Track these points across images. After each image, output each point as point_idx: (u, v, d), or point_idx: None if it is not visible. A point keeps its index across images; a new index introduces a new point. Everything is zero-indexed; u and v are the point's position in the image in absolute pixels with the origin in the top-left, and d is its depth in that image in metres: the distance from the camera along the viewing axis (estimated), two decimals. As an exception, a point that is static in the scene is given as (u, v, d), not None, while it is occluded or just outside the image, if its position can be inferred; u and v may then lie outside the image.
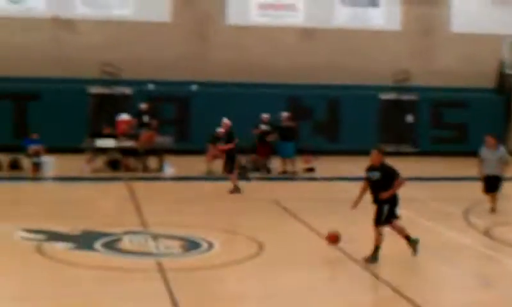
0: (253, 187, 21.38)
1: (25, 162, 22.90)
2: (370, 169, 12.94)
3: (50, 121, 26.51)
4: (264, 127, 24.17)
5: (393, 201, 12.78)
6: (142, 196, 19.07)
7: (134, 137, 23.91)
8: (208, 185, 22.03)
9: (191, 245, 13.89)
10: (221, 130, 22.78)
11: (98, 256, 13.05)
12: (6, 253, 13.13)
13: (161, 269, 12.13)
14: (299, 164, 24.28)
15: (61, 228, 14.78)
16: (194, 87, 28.84)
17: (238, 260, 13.03)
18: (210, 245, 13.84)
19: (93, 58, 27.61)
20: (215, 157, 23.35)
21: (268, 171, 24.15)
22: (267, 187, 22.20)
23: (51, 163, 22.89)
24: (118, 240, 14.11)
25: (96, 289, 11.23)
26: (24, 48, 28.01)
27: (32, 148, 22.82)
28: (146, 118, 24.77)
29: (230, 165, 20.25)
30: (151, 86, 28.37)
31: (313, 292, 11.28)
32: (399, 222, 13.02)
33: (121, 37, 28.75)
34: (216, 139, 23.60)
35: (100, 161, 23.70)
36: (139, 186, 20.88)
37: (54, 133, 25.36)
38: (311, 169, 24.51)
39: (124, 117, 25.03)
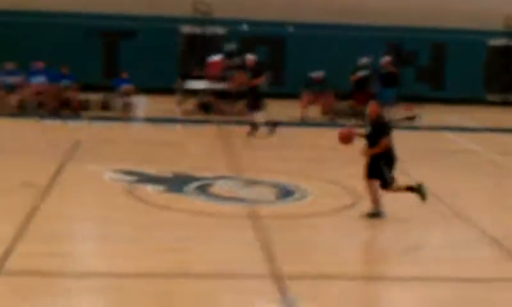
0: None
1: (116, 102, 22.62)
2: (368, 121, 12.04)
3: (141, 61, 26.08)
4: (362, 72, 23.06)
5: (388, 161, 11.69)
6: (234, 140, 18.56)
7: (225, 79, 23.26)
8: (302, 131, 21.27)
9: (285, 192, 13.39)
10: (317, 75, 21.98)
11: (189, 200, 12.69)
12: (95, 194, 12.90)
13: (253, 216, 11.73)
14: (400, 112, 23.19)
15: (151, 170, 14.47)
16: (290, 29, 27.84)
17: (333, 210, 12.44)
18: (305, 193, 13.32)
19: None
20: (310, 102, 22.62)
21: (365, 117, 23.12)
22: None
23: (142, 103, 22.59)
24: (210, 184, 13.71)
25: (186, 234, 10.81)
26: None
27: (123, 87, 22.47)
28: (237, 60, 24.09)
29: (253, 102, 19.48)
30: (245, 26, 27.53)
31: (408, 247, 10.59)
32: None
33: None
34: (311, 83, 22.84)
35: (191, 103, 23.25)
36: (231, 130, 20.35)
37: (145, 73, 24.97)
38: (412, 118, 23.42)
39: (216, 58, 24.34)
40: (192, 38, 27.32)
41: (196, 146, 18.63)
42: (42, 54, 23.25)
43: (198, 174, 14.35)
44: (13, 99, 21.76)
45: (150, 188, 13.21)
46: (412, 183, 12.15)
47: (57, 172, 14.05)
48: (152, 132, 20.39)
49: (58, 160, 15.05)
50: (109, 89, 22.95)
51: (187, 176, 14.19)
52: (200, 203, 12.49)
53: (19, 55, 23.04)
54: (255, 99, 19.52)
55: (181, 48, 27.25)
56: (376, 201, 11.76)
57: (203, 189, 13.28)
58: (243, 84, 22.89)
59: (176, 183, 13.64)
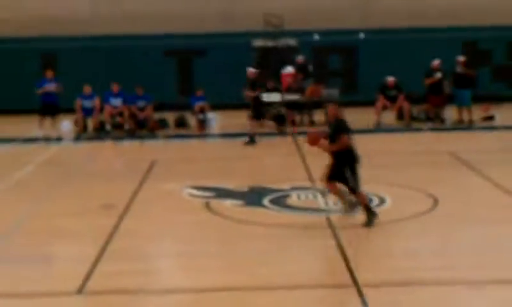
0: (426, 138, 20.47)
1: (191, 120, 22.86)
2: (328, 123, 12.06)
3: (215, 77, 26.28)
4: (436, 75, 22.70)
5: (350, 163, 11.59)
6: (308, 151, 18.42)
7: (299, 90, 23.23)
8: (377, 138, 21.04)
9: None
10: (390, 80, 21.84)
11: (267, 212, 12.70)
12: (175, 211, 13.05)
13: (331, 225, 11.68)
14: (477, 113, 22.74)
15: (228, 185, 14.55)
16: (361, 36, 27.65)
17: (410, 215, 12.26)
18: (382, 200, 13.19)
19: (256, 9, 27.06)
20: (384, 107, 22.40)
21: (442, 121, 22.78)
22: (442, 137, 21.13)
23: (216, 119, 22.76)
24: (286, 196, 13.71)
25: (266, 246, 10.84)
26: (188, 3, 27.89)
27: (198, 105, 22.69)
28: (310, 68, 24.08)
29: (254, 112, 20.44)
30: (316, 36, 27.47)
31: (491, 249, 10.40)
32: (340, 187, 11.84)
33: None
34: (385, 88, 22.63)
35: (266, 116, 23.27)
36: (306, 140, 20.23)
37: (218, 89, 25.15)
38: (490, 118, 22.92)
39: (289, 70, 24.36)
40: (264, 51, 27.41)
41: (272, 158, 18.65)
42: (117, 76, 23.67)
43: (274, 186, 14.35)
44: (91, 122, 22.28)
45: (228, 203, 13.28)
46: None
47: (136, 192, 14.26)
48: (228, 147, 20.49)
49: (136, 180, 15.27)
50: (185, 107, 23.21)
51: (264, 188, 14.21)
52: (278, 215, 12.50)
53: (96, 79, 23.55)
54: (256, 109, 20.59)
55: (254, 62, 27.37)
56: (343, 197, 11.84)
57: (281, 201, 13.27)
58: (316, 95, 22.86)
59: (254, 196, 13.67)
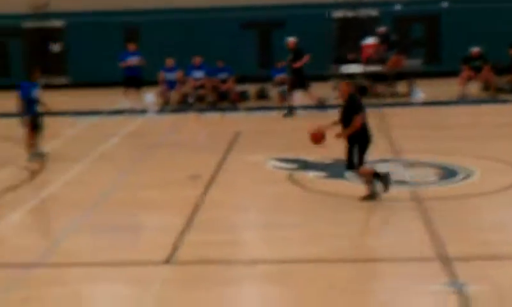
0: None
1: (272, 92, 22.87)
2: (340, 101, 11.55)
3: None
4: (521, 44, 22.11)
5: (361, 142, 11.17)
6: (392, 123, 18.27)
7: (381, 61, 22.95)
8: (461, 109, 20.67)
9: (448, 172, 13.08)
10: (475, 50, 21.34)
11: (351, 185, 12.58)
12: (259, 182, 13.12)
13: (416, 198, 11.54)
14: None
15: (311, 157, 14.51)
16: (444, 4, 27.09)
17: (499, 188, 12.03)
18: (469, 172, 12.96)
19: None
20: (469, 78, 21.94)
21: (528, 92, 22.22)
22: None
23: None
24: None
25: (350, 218, 10.77)
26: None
27: (278, 77, 22.67)
28: (393, 38, 23.74)
29: (297, 82, 20.23)
30: (397, 6, 27.06)
31: None
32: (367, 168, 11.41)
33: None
34: (469, 59, 22.16)
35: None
36: (388, 112, 20.07)
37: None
38: None
39: (370, 41, 24.06)
40: (344, 22, 27.17)
41: (354, 130, 18.50)
42: (199, 49, 23.83)
43: (358, 158, 14.27)
44: (174, 94, 22.56)
45: (311, 175, 13.29)
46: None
47: (220, 163, 14.40)
48: (309, 119, 20.40)
49: (220, 151, 15.41)
50: (266, 79, 23.24)
51: (347, 161, 14.13)
52: (362, 187, 12.39)
53: (178, 52, 23.78)
54: (298, 80, 20.26)
55: (334, 33, 27.17)
56: (368, 182, 11.41)
57: (364, 173, 13.19)
58: (398, 66, 22.56)
59: (337, 168, 13.55)
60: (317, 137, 11.91)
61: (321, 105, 20.33)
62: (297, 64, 20.39)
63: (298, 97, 20.83)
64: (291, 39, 20.90)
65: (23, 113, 15.27)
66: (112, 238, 10.37)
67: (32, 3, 27.60)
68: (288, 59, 20.81)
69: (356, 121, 11.06)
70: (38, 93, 15.58)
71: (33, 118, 15.21)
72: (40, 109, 15.58)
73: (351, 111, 11.17)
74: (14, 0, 27.75)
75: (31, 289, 8.61)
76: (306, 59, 20.43)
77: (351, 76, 22.62)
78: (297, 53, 20.53)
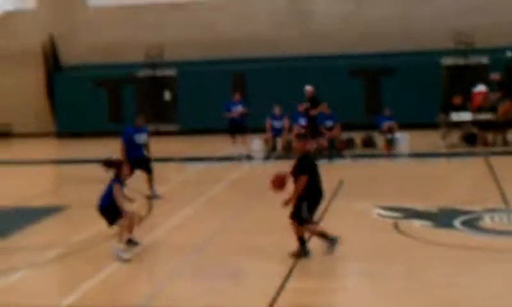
0: None
1: (379, 139, 22.70)
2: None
3: (403, 97, 26.01)
4: None
5: (310, 199, 10.89)
6: (502, 172, 17.77)
7: (492, 109, 22.42)
8: None
9: None
10: None
11: (459, 234, 12.32)
12: (364, 230, 12.99)
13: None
14: None
15: (417, 205, 14.30)
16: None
17: None
18: None
19: (445, 28, 26.53)
20: None
21: None
22: None
23: (405, 139, 22.48)
24: (479, 218, 13.24)
25: (458, 270, 10.53)
26: (375, 23, 27.83)
27: (386, 124, 22.51)
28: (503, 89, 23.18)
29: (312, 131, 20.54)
30: (509, 53, 26.48)
31: None
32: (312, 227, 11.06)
33: (472, 2, 27.23)
34: None
35: (455, 136, 22.70)
36: (498, 161, 19.57)
37: (407, 108, 24.86)
38: None
39: (480, 88, 23.59)
40: (454, 69, 26.79)
41: (462, 179, 18.14)
42: (303, 96, 23.91)
43: (465, 208, 13.93)
44: (280, 141, 22.69)
45: (417, 224, 13.05)
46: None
47: (325, 210, 14.31)
48: (416, 167, 20.15)
49: (325, 198, 15.29)
50: (372, 126, 23.11)
51: (455, 210, 13.83)
52: (470, 237, 12.11)
53: (282, 99, 23.95)
54: (313, 128, 20.85)
55: (443, 81, 26.81)
56: (320, 234, 11.12)
57: (473, 223, 12.85)
58: (509, 114, 22.00)
59: (444, 217, 13.33)
60: (276, 183, 11.46)
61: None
62: (313, 113, 21.24)
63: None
64: (309, 88, 21.64)
65: (124, 157, 15.57)
66: (214, 284, 10.44)
67: (147, 53, 28.50)
68: (305, 106, 21.47)
69: (300, 183, 10.93)
70: (142, 138, 16.00)
71: (135, 161, 15.41)
72: (146, 153, 16.01)
73: (299, 170, 11.08)
74: (130, 50, 28.74)
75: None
76: (321, 107, 21.33)
77: (459, 124, 22.26)
78: (313, 101, 21.27)
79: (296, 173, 11.10)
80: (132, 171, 15.05)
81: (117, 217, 11.58)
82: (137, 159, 15.69)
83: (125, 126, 16.67)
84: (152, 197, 15.88)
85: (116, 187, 11.60)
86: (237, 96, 22.83)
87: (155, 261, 11.77)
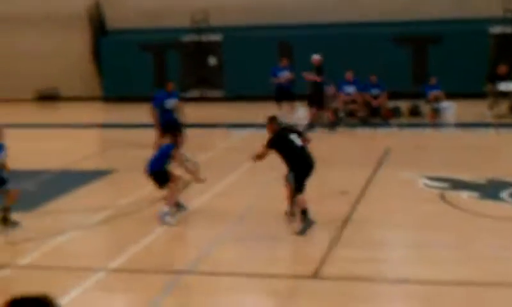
0: None
1: (425, 108, 22.45)
2: None
3: (450, 65, 25.62)
4: None
5: (296, 171, 11.33)
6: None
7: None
8: None
9: None
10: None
11: (507, 206, 12.18)
12: (410, 200, 12.91)
13: None
14: None
15: (464, 176, 14.15)
16: None
17: None
18: None
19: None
20: None
21: None
22: None
23: (451, 109, 22.19)
24: (527, 190, 13.02)
25: (505, 242, 10.46)
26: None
27: (432, 93, 22.24)
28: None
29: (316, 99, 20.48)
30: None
31: None
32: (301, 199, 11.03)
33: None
34: None
35: (503, 106, 22.35)
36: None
37: (454, 77, 24.50)
38: None
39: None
40: (503, 39, 26.30)
41: (510, 150, 17.87)
42: (349, 63, 23.73)
43: (513, 179, 13.77)
44: (326, 110, 22.53)
45: (465, 195, 12.93)
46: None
47: (370, 179, 14.27)
48: (463, 138, 19.91)
49: (370, 167, 15.27)
50: (419, 95, 22.86)
51: (503, 181, 13.66)
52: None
53: (329, 66, 23.77)
54: (317, 96, 20.63)
55: (491, 50, 26.36)
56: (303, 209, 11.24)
57: (521, 195, 12.72)
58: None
59: (492, 189, 13.18)
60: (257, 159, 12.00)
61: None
62: (311, 78, 20.86)
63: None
64: (316, 56, 21.24)
65: (156, 122, 15.85)
66: (259, 250, 10.50)
67: (192, 18, 28.48)
68: (312, 75, 21.11)
69: (259, 151, 11.72)
70: (173, 103, 16.15)
71: (166, 126, 15.58)
72: (177, 118, 16.12)
73: (266, 144, 11.67)
74: (175, 15, 28.74)
75: (182, 296, 8.85)
76: (320, 78, 20.85)
77: (508, 94, 21.91)
78: (319, 70, 20.95)
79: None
80: (163, 135, 15.21)
81: (167, 180, 11.74)
82: (169, 123, 15.78)
83: (156, 93, 16.83)
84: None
85: (176, 153, 11.85)
86: (284, 62, 22.69)
87: (199, 227, 11.84)
